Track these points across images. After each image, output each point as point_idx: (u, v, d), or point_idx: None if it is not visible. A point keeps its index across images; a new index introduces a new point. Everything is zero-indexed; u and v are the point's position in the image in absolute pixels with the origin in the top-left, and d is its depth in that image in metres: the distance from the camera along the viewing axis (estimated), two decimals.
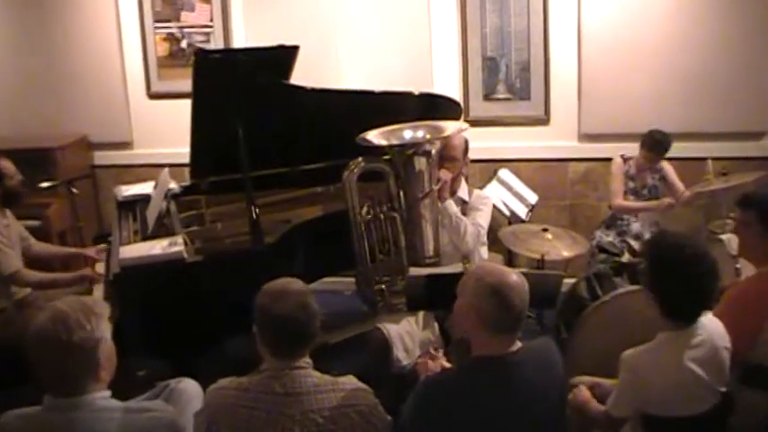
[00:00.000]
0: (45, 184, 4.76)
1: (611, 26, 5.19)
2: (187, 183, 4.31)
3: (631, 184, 5.00)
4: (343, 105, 4.07)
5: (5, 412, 2.27)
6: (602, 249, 4.86)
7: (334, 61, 5.47)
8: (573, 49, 5.28)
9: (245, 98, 3.71)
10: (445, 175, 3.73)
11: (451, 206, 3.77)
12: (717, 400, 2.59)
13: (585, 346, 3.35)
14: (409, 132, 3.67)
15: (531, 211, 5.03)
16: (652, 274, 2.63)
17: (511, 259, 4.72)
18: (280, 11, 5.51)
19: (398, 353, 3.49)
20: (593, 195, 5.45)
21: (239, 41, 5.61)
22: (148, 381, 3.14)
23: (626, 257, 4.45)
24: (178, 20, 5.67)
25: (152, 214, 3.93)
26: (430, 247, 3.65)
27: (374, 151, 3.65)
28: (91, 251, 4.32)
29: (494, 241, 4.31)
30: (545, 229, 4.40)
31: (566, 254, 4.30)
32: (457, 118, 4.34)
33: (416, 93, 4.30)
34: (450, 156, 3.81)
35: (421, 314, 3.65)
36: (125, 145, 5.92)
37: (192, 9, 5.63)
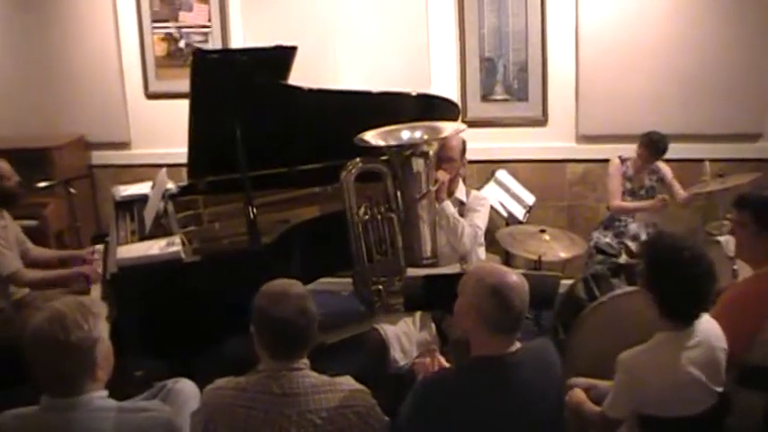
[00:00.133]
0: (42, 184, 4.75)
1: (608, 27, 5.20)
2: (185, 183, 4.31)
3: (629, 185, 5.01)
4: (341, 106, 4.07)
5: (3, 412, 2.27)
6: (599, 250, 4.87)
7: (331, 61, 5.47)
8: (571, 50, 5.29)
9: (243, 98, 3.71)
10: (443, 175, 3.73)
11: (449, 207, 3.77)
12: (713, 401, 2.59)
13: (583, 346, 3.35)
14: (407, 133, 3.67)
15: (528, 212, 5.04)
16: (649, 276, 2.63)
17: (508, 260, 4.72)
18: (278, 11, 5.50)
19: (395, 353, 3.49)
20: (591, 196, 5.46)
21: (237, 41, 5.61)
22: (146, 381, 3.14)
23: (623, 259, 4.47)
24: (176, 20, 5.66)
25: (149, 214, 3.93)
26: (427, 248, 3.66)
27: (372, 152, 3.66)
28: (85, 252, 4.30)
29: (491, 242, 4.31)
30: (542, 230, 4.40)
31: (563, 255, 4.31)
32: (454, 119, 4.35)
33: (414, 93, 4.31)
34: (447, 156, 3.81)
35: (418, 315, 3.65)
36: (123, 145, 5.91)
37: (190, 9, 5.63)
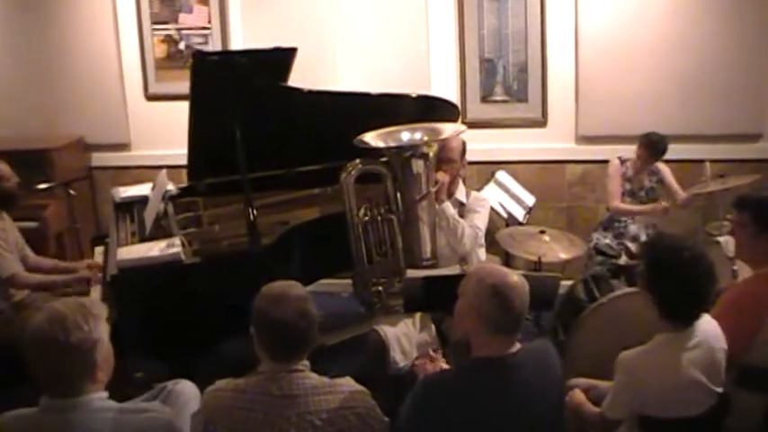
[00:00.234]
0: (42, 186, 4.75)
1: (608, 28, 5.20)
2: (185, 184, 4.31)
3: (628, 186, 5.01)
4: (341, 107, 4.08)
5: (3, 413, 2.27)
6: (599, 251, 4.87)
7: (331, 63, 5.47)
8: (570, 51, 5.29)
9: (243, 100, 3.71)
10: (442, 177, 3.74)
11: (449, 208, 3.77)
12: (713, 402, 2.59)
13: (583, 347, 3.35)
14: (407, 134, 3.67)
15: (528, 213, 5.03)
16: (649, 276, 2.64)
17: (508, 261, 4.72)
18: (277, 13, 5.51)
19: (395, 354, 3.50)
20: (591, 197, 5.46)
21: (237, 43, 5.61)
22: (146, 382, 3.15)
23: (623, 260, 4.47)
24: (176, 21, 5.66)
25: (149, 216, 3.93)
26: (427, 249, 3.66)
27: (372, 153, 3.66)
28: (83, 265, 4.27)
29: (491, 243, 4.31)
30: (542, 231, 4.40)
31: (563, 256, 4.31)
32: (454, 120, 4.35)
33: (414, 95, 4.31)
34: (447, 158, 3.81)
35: (418, 316, 3.66)
36: (122, 146, 5.91)
37: (190, 11, 5.63)
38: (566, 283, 3.89)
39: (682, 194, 4.87)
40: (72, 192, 4.86)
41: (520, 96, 5.40)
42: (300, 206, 4.28)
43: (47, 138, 5.68)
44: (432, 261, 3.68)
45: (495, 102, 5.44)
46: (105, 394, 2.25)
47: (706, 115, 5.18)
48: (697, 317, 2.60)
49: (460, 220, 3.79)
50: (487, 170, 5.23)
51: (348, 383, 2.45)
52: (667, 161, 4.98)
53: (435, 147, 3.62)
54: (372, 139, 3.61)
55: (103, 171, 5.95)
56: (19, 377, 2.29)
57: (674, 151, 4.91)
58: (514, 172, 5.27)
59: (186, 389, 2.86)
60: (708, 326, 2.64)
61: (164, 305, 3.42)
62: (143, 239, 3.78)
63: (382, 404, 2.48)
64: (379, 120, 3.73)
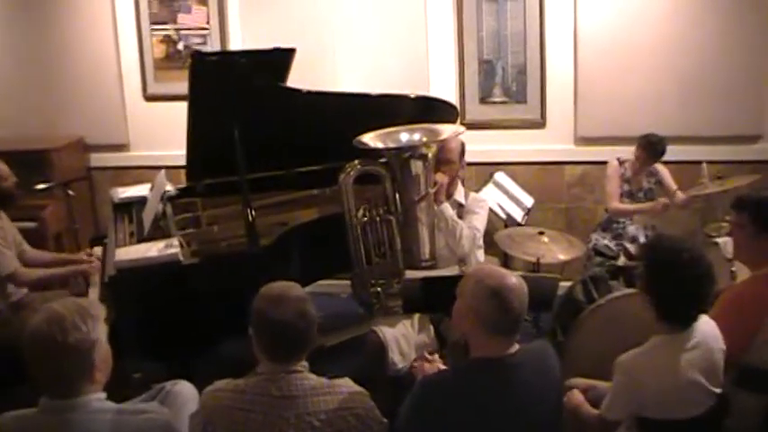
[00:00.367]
0: (41, 186, 4.75)
1: (607, 30, 5.20)
2: (183, 185, 4.31)
3: (627, 187, 5.01)
4: (340, 108, 4.07)
5: (2, 414, 2.27)
6: (598, 252, 4.87)
7: (330, 64, 5.47)
8: (569, 53, 5.29)
9: (242, 100, 3.71)
10: (441, 178, 3.74)
11: (448, 209, 3.77)
12: (712, 403, 2.59)
13: (582, 349, 3.35)
14: (406, 135, 3.67)
15: (527, 214, 5.03)
16: (649, 278, 2.63)
17: (507, 262, 4.72)
18: (276, 13, 5.50)
19: (394, 356, 3.49)
20: (590, 198, 5.46)
21: (236, 44, 5.61)
22: (144, 383, 3.14)
23: (622, 261, 4.46)
24: (175, 22, 5.66)
25: (148, 216, 3.93)
26: (426, 250, 3.66)
27: (371, 154, 3.66)
28: (82, 255, 4.28)
29: (490, 244, 4.31)
30: (541, 233, 4.40)
31: (562, 257, 4.30)
32: (453, 121, 4.35)
33: (413, 96, 4.31)
34: (446, 159, 3.81)
35: (417, 317, 3.65)
36: (121, 147, 5.91)
37: (189, 11, 5.63)
38: (564, 284, 3.89)
39: (680, 196, 4.87)
40: (71, 192, 4.86)
41: (519, 98, 5.40)
42: (299, 207, 4.27)
43: (46, 138, 5.68)
44: (430, 262, 3.68)
45: (494, 103, 5.44)
46: (103, 395, 2.25)
47: (705, 116, 5.19)
48: (695, 318, 2.60)
49: (459, 221, 3.79)
50: (486, 171, 5.23)
51: (347, 384, 2.45)
52: (666, 162, 4.98)
53: (434, 148, 3.62)
54: (371, 139, 3.61)
55: (102, 171, 5.94)
56: (18, 377, 2.29)
57: (673, 152, 4.91)
58: (513, 173, 5.27)
59: (185, 389, 2.86)
60: (706, 326, 2.64)
61: (162, 306, 3.42)
62: (141, 240, 3.78)
63: (381, 405, 2.48)
64: (378, 120, 3.73)
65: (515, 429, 2.38)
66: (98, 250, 4.31)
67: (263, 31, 5.48)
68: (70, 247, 5.17)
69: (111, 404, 2.26)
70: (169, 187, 4.18)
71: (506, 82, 5.40)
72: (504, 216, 4.88)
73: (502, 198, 5.00)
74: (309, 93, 4.02)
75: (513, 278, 2.42)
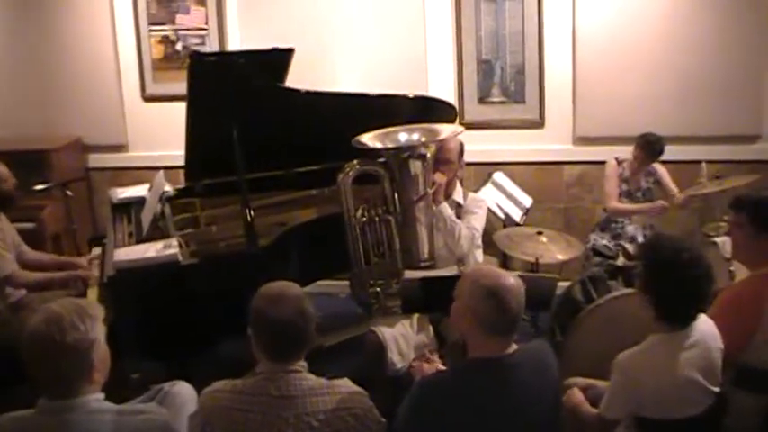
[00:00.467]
0: (39, 187, 4.75)
1: (605, 29, 5.20)
2: (182, 185, 4.31)
3: (625, 187, 5.01)
4: (339, 108, 4.07)
5: (0, 415, 2.26)
6: (596, 252, 4.87)
7: (329, 64, 5.47)
8: (567, 53, 5.29)
9: (240, 101, 3.71)
10: (440, 178, 3.73)
11: (446, 209, 3.77)
12: (711, 402, 2.59)
13: (580, 348, 3.36)
14: (404, 135, 3.67)
15: (525, 214, 5.04)
16: (648, 277, 2.63)
17: (506, 262, 4.72)
18: (275, 13, 5.50)
19: (393, 356, 3.49)
20: (588, 198, 5.46)
21: (234, 44, 5.61)
22: (143, 383, 3.14)
23: (620, 260, 4.46)
24: (173, 22, 5.66)
25: (147, 217, 3.93)
26: (425, 250, 3.66)
27: (369, 154, 3.66)
28: (83, 261, 4.28)
29: (488, 244, 4.31)
30: (540, 232, 4.39)
31: (560, 257, 4.30)
32: (452, 121, 4.35)
33: (411, 96, 4.31)
34: (445, 159, 3.81)
35: (415, 317, 3.65)
36: (120, 147, 5.91)
37: (187, 11, 5.63)
38: (563, 284, 3.89)
39: (679, 195, 4.87)
40: (69, 193, 4.86)
41: (517, 98, 5.40)
42: (298, 207, 4.27)
43: (44, 138, 5.68)
44: (429, 262, 3.67)
45: (493, 103, 5.44)
46: (102, 395, 2.25)
47: (703, 116, 5.19)
48: (694, 317, 2.61)
49: (458, 221, 3.79)
50: (485, 171, 5.23)
51: (346, 384, 2.45)
52: (664, 162, 4.98)
53: (433, 148, 3.61)
54: (370, 139, 3.61)
55: (101, 172, 5.94)
56: (18, 377, 2.29)
57: (672, 152, 4.91)
58: (512, 173, 5.27)
59: (183, 390, 2.85)
60: (705, 325, 2.64)
61: (161, 306, 3.42)
62: (140, 240, 3.77)
63: (380, 405, 2.48)
64: (377, 120, 3.73)
65: (514, 429, 2.39)
66: (97, 251, 4.31)
67: (261, 31, 5.48)
68: (68, 247, 5.17)
69: (109, 404, 2.26)
70: (168, 188, 4.18)
71: (505, 82, 5.40)
72: (502, 216, 4.88)
73: (500, 198, 5.00)
74: (308, 93, 4.02)
75: (510, 278, 2.42)
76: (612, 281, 3.91)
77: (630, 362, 2.58)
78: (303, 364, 2.40)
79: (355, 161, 3.66)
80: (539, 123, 5.41)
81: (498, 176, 5.16)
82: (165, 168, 4.50)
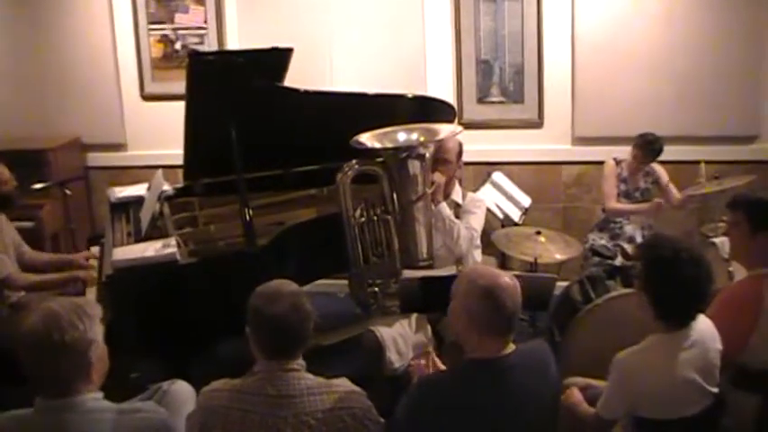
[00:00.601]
0: (38, 186, 4.74)
1: (604, 30, 5.21)
2: (180, 185, 4.30)
3: (623, 187, 5.01)
4: (337, 107, 4.07)
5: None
6: (595, 252, 4.87)
7: (327, 63, 5.47)
8: (567, 53, 5.30)
9: (239, 100, 3.71)
10: (439, 178, 3.74)
11: (445, 209, 3.77)
12: (708, 402, 2.60)
13: (578, 348, 3.36)
14: (403, 135, 3.67)
15: (524, 214, 5.04)
16: (647, 277, 2.63)
17: (504, 262, 4.73)
18: (274, 13, 5.50)
19: (391, 355, 3.49)
20: (587, 198, 5.47)
21: (233, 43, 5.61)
22: (141, 383, 3.14)
23: (619, 261, 4.46)
24: (172, 21, 5.66)
25: (145, 216, 3.92)
26: (423, 250, 3.66)
27: (368, 154, 3.66)
28: (80, 256, 4.29)
29: (487, 244, 4.31)
30: (538, 232, 4.39)
31: (559, 257, 4.31)
32: (451, 121, 4.35)
33: (410, 95, 4.30)
34: (443, 159, 3.81)
35: (414, 317, 3.65)
36: (118, 146, 5.91)
37: (186, 11, 5.63)
38: (561, 284, 3.90)
39: (677, 196, 4.87)
40: (68, 192, 4.86)
41: (516, 98, 5.41)
42: (297, 207, 4.27)
43: (43, 137, 5.68)
44: (428, 262, 3.67)
45: (492, 103, 5.45)
46: (100, 395, 2.25)
47: (701, 117, 5.19)
48: (693, 317, 2.61)
49: (456, 221, 3.79)
50: (483, 171, 5.24)
51: (344, 384, 2.45)
52: (663, 162, 4.98)
53: (431, 147, 3.61)
54: (369, 139, 3.61)
55: (99, 171, 5.94)
56: (19, 377, 2.29)
57: (670, 152, 4.92)
58: (510, 173, 5.28)
59: (182, 389, 2.85)
60: (704, 325, 2.64)
61: (159, 305, 3.42)
62: (139, 240, 3.77)
63: (378, 405, 2.48)
64: (376, 120, 3.72)
65: (512, 429, 2.38)
66: (95, 250, 4.31)
67: (260, 30, 5.48)
68: (67, 246, 5.16)
69: (108, 403, 2.25)
70: (166, 187, 4.18)
71: (504, 82, 5.40)
72: (501, 216, 4.88)
73: (499, 198, 5.00)
74: (307, 92, 4.02)
75: (506, 278, 2.41)
76: (611, 281, 3.91)
77: (629, 361, 2.58)
78: (301, 363, 2.40)
79: (354, 161, 3.66)
80: (537, 123, 5.41)
81: (497, 176, 5.16)
82: (164, 167, 4.50)
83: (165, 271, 3.40)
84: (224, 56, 4.61)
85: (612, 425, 2.68)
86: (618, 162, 5.02)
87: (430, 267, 3.66)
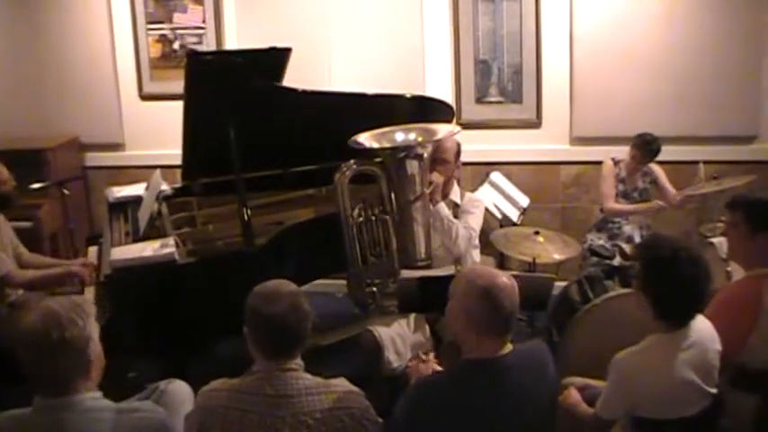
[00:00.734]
0: (36, 186, 4.73)
1: (602, 30, 5.21)
2: (179, 184, 4.30)
3: (622, 187, 5.02)
4: (336, 107, 4.07)
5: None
6: (593, 252, 4.85)
7: (326, 63, 5.47)
8: (565, 53, 5.30)
9: (237, 100, 3.71)
10: (437, 177, 3.73)
11: (443, 209, 3.77)
12: (707, 402, 2.60)
13: (577, 348, 3.36)
14: (401, 135, 3.67)
15: (522, 213, 5.04)
16: (646, 277, 2.63)
17: (503, 262, 4.73)
18: (272, 12, 5.50)
19: (390, 355, 3.49)
20: (585, 198, 5.47)
21: (231, 43, 5.61)
22: (139, 382, 3.13)
23: (617, 261, 4.46)
24: (170, 21, 5.66)
25: (144, 216, 3.92)
26: (422, 250, 3.66)
27: (366, 154, 3.66)
28: (78, 263, 4.27)
29: (485, 244, 4.31)
30: (537, 232, 4.40)
31: (557, 257, 4.31)
32: (449, 121, 4.35)
33: (408, 95, 4.30)
34: (442, 159, 3.81)
35: (412, 317, 3.65)
36: (117, 146, 5.91)
37: (185, 10, 5.63)
38: (560, 284, 3.89)
39: (675, 196, 4.88)
40: (66, 191, 4.85)
41: (514, 98, 5.41)
42: (295, 206, 4.27)
43: (41, 137, 5.67)
44: (426, 262, 3.67)
45: (490, 103, 5.45)
46: (99, 394, 2.25)
47: (700, 117, 5.20)
48: (692, 317, 2.61)
49: (455, 221, 3.79)
50: (482, 171, 5.24)
51: (342, 384, 2.45)
52: (661, 162, 4.98)
53: (430, 147, 3.61)
54: (367, 139, 3.61)
55: (98, 171, 5.94)
56: (17, 377, 2.29)
57: (668, 153, 4.92)
58: (509, 173, 5.28)
59: (180, 389, 2.85)
60: (702, 326, 2.64)
61: (157, 305, 3.42)
62: (137, 239, 3.77)
63: (376, 404, 2.47)
64: (374, 120, 3.73)
65: (509, 430, 2.38)
66: (93, 250, 4.31)
67: (258, 30, 5.47)
68: (65, 246, 5.16)
69: (106, 403, 2.25)
70: (164, 186, 4.18)
71: (502, 82, 5.40)
72: (499, 216, 4.88)
73: (497, 198, 5.00)
74: (305, 92, 4.02)
75: (504, 278, 2.41)
76: (609, 281, 3.91)
77: (627, 362, 2.58)
78: (300, 363, 2.40)
79: (352, 161, 3.66)
80: (536, 123, 5.41)
81: (495, 176, 5.17)
82: (163, 167, 4.51)
83: (163, 271, 3.40)
84: (222, 56, 4.61)
85: (611, 425, 2.68)
86: (616, 162, 5.03)
87: (428, 267, 3.66)
